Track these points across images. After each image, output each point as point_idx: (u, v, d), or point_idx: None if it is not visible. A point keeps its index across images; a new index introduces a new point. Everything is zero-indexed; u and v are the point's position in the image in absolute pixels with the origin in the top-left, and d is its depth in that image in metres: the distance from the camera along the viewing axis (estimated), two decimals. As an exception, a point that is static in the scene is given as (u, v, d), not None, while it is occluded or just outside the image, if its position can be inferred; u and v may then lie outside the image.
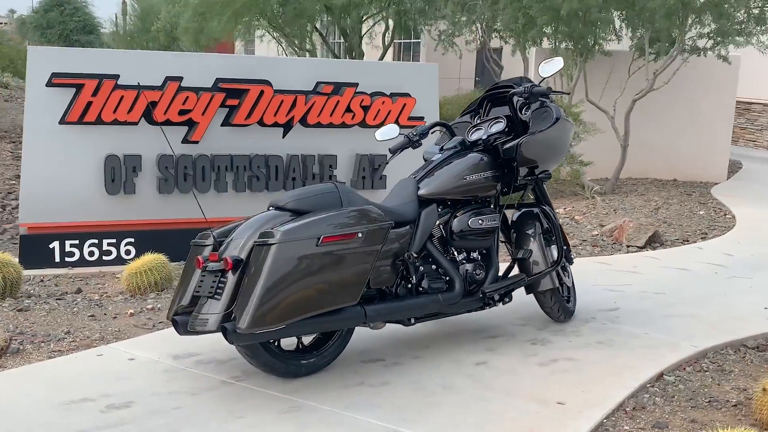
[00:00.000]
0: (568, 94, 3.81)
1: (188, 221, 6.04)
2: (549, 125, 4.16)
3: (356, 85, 6.42)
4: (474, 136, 4.33)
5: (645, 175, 11.54)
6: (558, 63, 4.12)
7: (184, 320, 3.53)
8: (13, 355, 3.94)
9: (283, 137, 6.33)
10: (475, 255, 4.13)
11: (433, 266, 3.96)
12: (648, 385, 3.66)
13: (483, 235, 4.09)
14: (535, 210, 4.43)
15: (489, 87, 4.63)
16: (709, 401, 3.53)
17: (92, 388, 3.47)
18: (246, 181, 6.18)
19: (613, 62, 10.99)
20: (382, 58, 14.84)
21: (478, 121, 4.47)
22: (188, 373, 3.69)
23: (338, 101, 6.35)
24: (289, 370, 3.60)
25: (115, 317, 4.64)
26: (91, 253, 5.87)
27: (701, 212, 8.86)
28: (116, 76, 5.73)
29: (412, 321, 3.86)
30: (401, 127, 6.36)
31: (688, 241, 7.17)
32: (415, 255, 3.85)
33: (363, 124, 6.48)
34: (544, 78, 4.25)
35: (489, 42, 13.76)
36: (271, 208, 3.69)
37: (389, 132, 4.44)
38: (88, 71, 5.66)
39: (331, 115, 6.36)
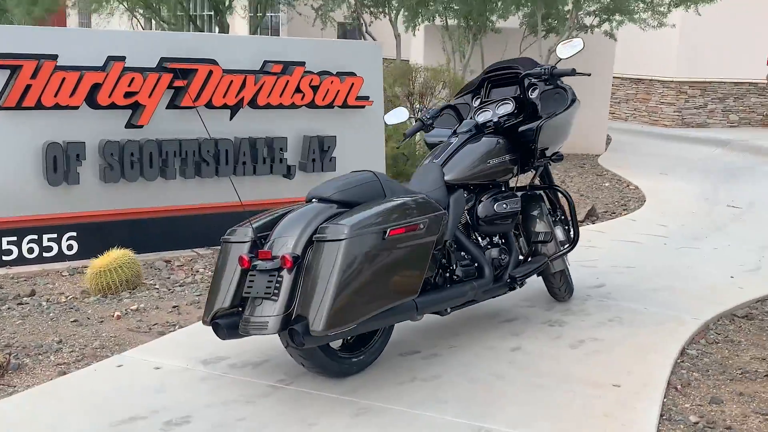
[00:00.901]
0: (589, 75, 3.85)
1: (136, 212, 5.66)
2: (566, 107, 4.19)
3: (303, 64, 6.19)
4: (481, 118, 4.29)
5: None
6: (578, 45, 4.15)
7: (229, 323, 3.29)
8: (16, 372, 3.54)
9: (231, 119, 6.01)
10: (496, 240, 4.12)
11: (462, 253, 3.91)
12: (678, 361, 3.79)
13: (506, 219, 4.08)
14: (540, 192, 4.47)
15: (489, 68, 4.59)
16: (741, 373, 3.72)
17: (134, 404, 3.19)
18: (195, 166, 5.83)
19: (506, 39, 11.27)
20: (253, 32, 14.53)
21: (478, 103, 4.44)
22: (229, 380, 3.46)
23: (288, 81, 6.10)
24: (342, 369, 3.46)
25: (101, 321, 4.27)
26: (31, 250, 5.36)
27: (606, 184, 9.30)
28: (54, 56, 5.21)
29: (449, 310, 3.80)
30: (349, 107, 6.33)
31: (615, 213, 7.50)
32: (450, 243, 3.80)
33: (312, 104, 6.27)
34: (561, 59, 4.26)
35: (362, 18, 13.82)
36: (313, 200, 3.49)
37: (399, 115, 4.33)
38: (24, 51, 5.11)
39: (280, 95, 6.11)
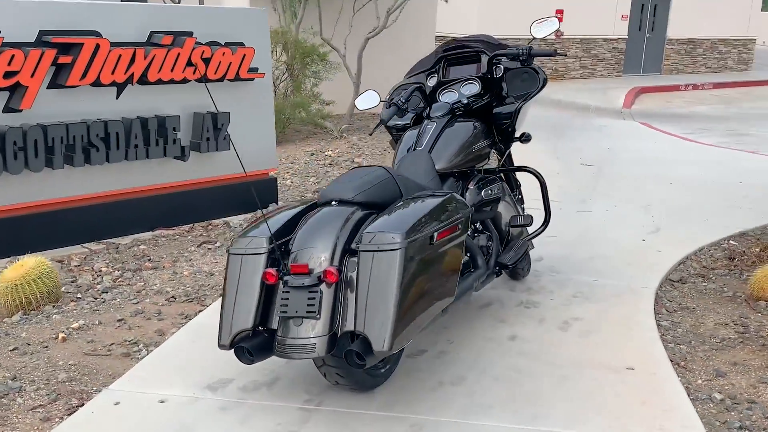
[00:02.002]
0: (565, 55, 3.83)
1: (16, 208, 4.96)
2: (539, 86, 4.16)
3: (191, 34, 5.66)
4: (446, 99, 4.15)
5: (364, 112, 11.92)
6: (553, 23, 4.11)
7: (256, 345, 2.97)
8: (-11, 425, 2.97)
9: (117, 98, 5.38)
10: (479, 227, 4.04)
11: None
12: (661, 335, 3.96)
13: (492, 204, 4.02)
14: (510, 174, 4.44)
15: (445, 45, 4.44)
16: (719, 341, 3.95)
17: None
18: (83, 153, 5.17)
19: (342, 0, 11.05)
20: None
21: (434, 83, 4.29)
22: (252, 407, 3.14)
23: (179, 54, 5.55)
24: (374, 382, 3.26)
25: (45, 346, 3.70)
26: None
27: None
28: None
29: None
30: (241, 80, 5.92)
31: (490, 178, 7.68)
32: None
33: (204, 78, 5.77)
34: (535, 38, 4.21)
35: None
36: (332, 202, 3.20)
37: (370, 99, 4.09)
38: None
39: (171, 70, 5.54)
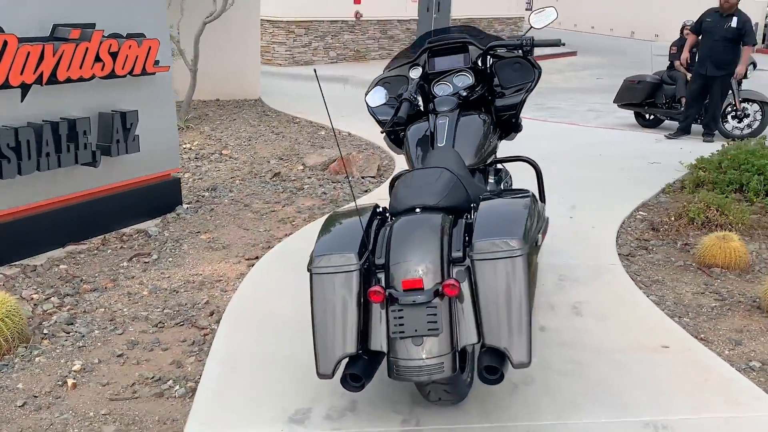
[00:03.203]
0: (559, 45, 3.78)
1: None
2: (536, 76, 4.15)
3: (94, 26, 5.05)
4: (440, 92, 4.06)
5: (202, 100, 11.36)
6: (551, 14, 4.11)
7: (363, 370, 2.76)
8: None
9: (22, 101, 4.69)
10: None
11: None
12: (663, 311, 4.17)
13: (508, 196, 3.98)
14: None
15: (430, 36, 4.31)
16: (709, 310, 4.24)
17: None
18: (-7, 166, 4.47)
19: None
20: None
21: (418, 75, 4.17)
22: (356, 436, 2.91)
23: (87, 48, 4.92)
24: (465, 392, 3.14)
25: (57, 397, 3.18)
26: None
27: (322, 133, 9.34)
28: None
29: None
30: (146, 75, 5.43)
31: (389, 167, 7.62)
32: None
33: (112, 74, 5.18)
34: (533, 28, 4.18)
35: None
36: (417, 210, 3.02)
37: (380, 96, 3.89)
38: None
39: (80, 67, 4.91)
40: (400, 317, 2.74)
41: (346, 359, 2.81)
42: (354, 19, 17.83)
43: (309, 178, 6.93)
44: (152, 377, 3.37)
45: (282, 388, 3.21)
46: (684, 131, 9.78)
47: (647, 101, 10.56)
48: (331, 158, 7.18)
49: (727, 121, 9.89)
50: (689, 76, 10.05)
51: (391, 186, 4.33)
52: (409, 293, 2.75)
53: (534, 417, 3.05)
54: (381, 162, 7.32)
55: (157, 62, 5.52)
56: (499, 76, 4.17)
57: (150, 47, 5.40)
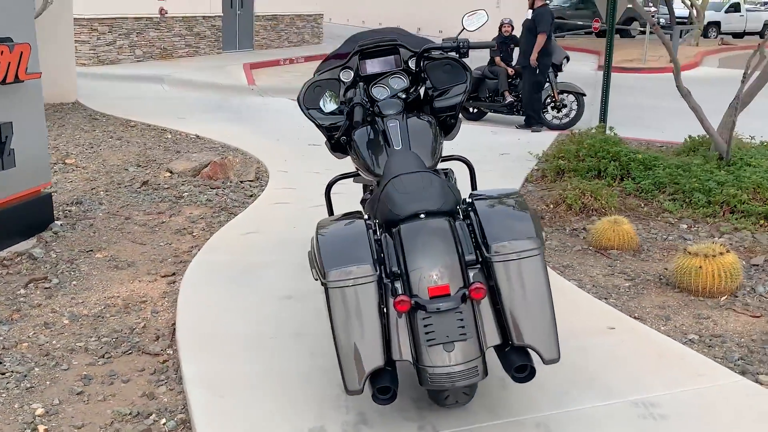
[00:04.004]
0: (494, 47, 3.82)
1: None
2: (469, 77, 4.22)
3: (-38, 28, 4.53)
4: (378, 94, 4.05)
5: None
6: (482, 16, 4.18)
7: (392, 380, 2.75)
8: None
9: None
10: None
11: None
12: (589, 293, 4.44)
13: (456, 199, 4.05)
14: None
15: (360, 39, 4.25)
16: (628, 290, 4.57)
17: None
18: None
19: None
20: None
21: (349, 78, 4.14)
22: (382, 448, 2.88)
23: (-39, 55, 4.41)
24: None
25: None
26: None
27: (168, 136, 8.92)
28: None
29: None
30: (19, 82, 5.01)
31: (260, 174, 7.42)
32: None
33: (-15, 84, 4.67)
34: (465, 30, 4.21)
35: None
36: (420, 215, 3.01)
37: (330, 102, 3.81)
38: None
39: (-44, 75, 4.39)
40: (429, 324, 2.74)
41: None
42: (159, 15, 17.11)
43: (183, 185, 6.62)
44: (129, 413, 3.12)
45: (282, 408, 3.09)
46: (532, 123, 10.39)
47: (471, 95, 11.11)
48: (202, 163, 6.90)
49: (547, 112, 10.62)
50: (510, 70, 10.73)
51: (364, 199, 4.34)
52: (437, 300, 2.76)
53: (535, 409, 3.15)
54: (258, 165, 7.14)
55: (26, 69, 5.03)
56: (430, 78, 4.23)
57: (22, 53, 4.92)
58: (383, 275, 2.85)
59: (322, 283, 2.80)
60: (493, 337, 2.84)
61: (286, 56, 19.71)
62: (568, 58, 10.90)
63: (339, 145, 4.15)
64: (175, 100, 12.00)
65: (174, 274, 4.65)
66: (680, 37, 20.22)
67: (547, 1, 10.71)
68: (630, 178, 6.58)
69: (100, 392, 3.29)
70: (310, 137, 8.93)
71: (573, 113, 10.61)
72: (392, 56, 4.20)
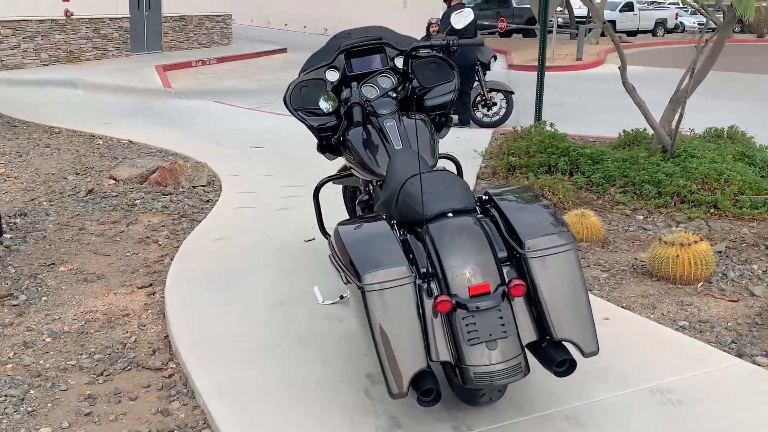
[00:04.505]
0: (483, 44, 3.78)
1: None
2: (456, 75, 4.20)
3: None
4: (369, 94, 4.01)
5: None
6: (469, 14, 4.17)
7: (435, 382, 2.72)
8: None
9: None
10: None
11: None
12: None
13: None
14: None
15: (343, 38, 4.18)
16: (608, 281, 4.64)
17: None
18: None
19: None
20: None
21: (336, 78, 4.09)
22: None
23: None
24: None
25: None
26: None
27: (100, 142, 8.58)
28: None
29: None
30: None
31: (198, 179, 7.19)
32: None
33: None
34: (453, 28, 4.19)
35: None
36: (449, 214, 2.99)
37: (326, 104, 3.76)
38: None
39: None
40: (472, 323, 2.72)
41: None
42: (65, 17, 16.44)
43: (132, 192, 6.36)
44: (149, 431, 2.97)
45: (311, 416, 3.01)
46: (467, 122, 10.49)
47: None
48: (149, 169, 6.65)
49: (477, 110, 10.77)
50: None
51: (348, 199, 4.28)
52: (478, 299, 2.74)
53: (561, 402, 3.17)
54: (207, 170, 6.94)
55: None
56: (417, 76, 4.21)
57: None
58: (417, 276, 2.82)
59: (359, 287, 2.73)
60: (529, 333, 2.84)
61: (198, 58, 19.31)
62: (495, 57, 11.08)
63: (330, 146, 4.08)
64: (92, 105, 11.56)
65: (151, 284, 4.47)
66: (585, 35, 20.89)
67: (463, 2, 10.81)
68: (580, 173, 6.73)
69: (110, 411, 3.12)
70: (250, 139, 8.82)
71: (503, 111, 10.80)
72: (378, 55, 4.16)
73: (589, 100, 13.81)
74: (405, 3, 27.65)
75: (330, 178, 4.40)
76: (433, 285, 2.81)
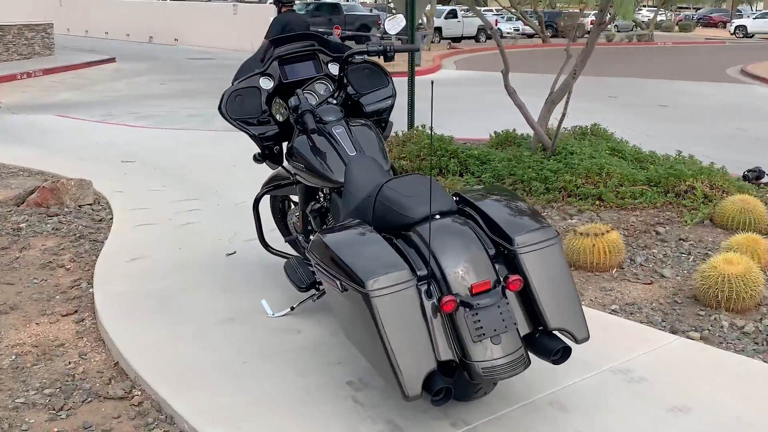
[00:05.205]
0: (418, 49, 3.66)
1: None
2: (390, 81, 4.22)
3: None
4: (312, 101, 3.99)
5: None
6: (402, 21, 4.20)
7: (446, 381, 2.77)
8: None
9: None
10: None
11: None
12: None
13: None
14: None
15: (275, 44, 4.09)
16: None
17: None
18: None
19: None
20: None
21: (271, 86, 4.03)
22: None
23: None
24: None
25: None
26: None
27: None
28: None
29: None
30: None
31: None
32: None
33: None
34: (388, 34, 4.20)
35: None
36: (436, 216, 3.03)
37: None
38: None
39: None
40: (477, 320, 2.79)
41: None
42: None
43: (12, 215, 5.88)
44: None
45: (308, 429, 2.95)
46: None
47: None
48: (26, 190, 6.19)
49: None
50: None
51: (277, 211, 4.20)
52: (481, 296, 2.82)
53: (540, 389, 3.27)
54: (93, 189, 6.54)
55: None
56: (352, 83, 4.21)
57: None
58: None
59: (362, 293, 2.72)
60: (523, 326, 2.95)
61: (22, 70, 18.12)
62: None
63: (271, 155, 4.02)
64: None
65: (76, 311, 4.19)
66: (422, 42, 21.54)
67: (293, 8, 10.75)
68: (470, 173, 6.97)
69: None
70: (115, 154, 8.43)
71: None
72: (311, 61, 4.14)
73: (444, 105, 14.24)
74: (235, 10, 27.32)
75: (269, 189, 4.32)
76: (431, 286, 2.84)
